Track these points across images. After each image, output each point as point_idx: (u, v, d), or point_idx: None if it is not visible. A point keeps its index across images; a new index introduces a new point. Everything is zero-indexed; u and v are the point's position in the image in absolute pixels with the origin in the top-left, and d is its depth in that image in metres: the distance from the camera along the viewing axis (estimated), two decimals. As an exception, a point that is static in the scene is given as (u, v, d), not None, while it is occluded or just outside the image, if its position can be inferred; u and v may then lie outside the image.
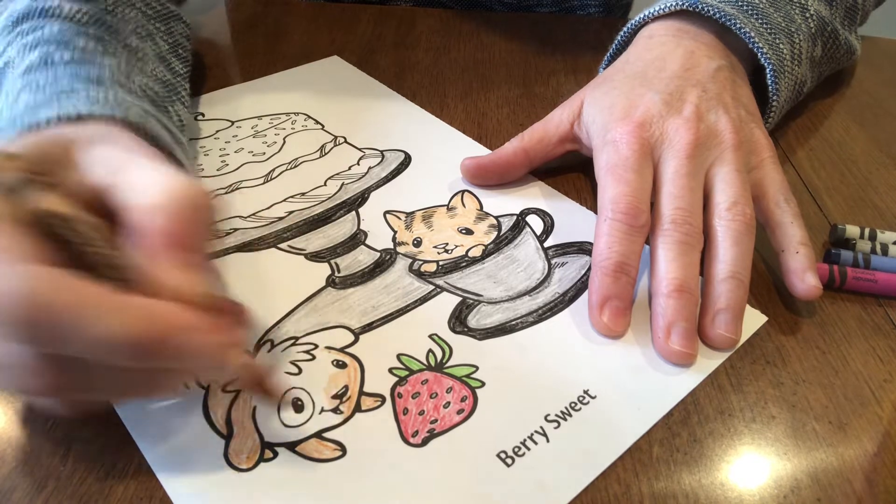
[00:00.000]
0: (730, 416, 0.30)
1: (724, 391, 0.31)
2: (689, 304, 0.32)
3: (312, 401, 0.29)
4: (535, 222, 0.39)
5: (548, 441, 0.28)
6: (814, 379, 0.32)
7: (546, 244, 0.38)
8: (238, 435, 0.28)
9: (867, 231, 0.38)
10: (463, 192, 0.41)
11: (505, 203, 0.40)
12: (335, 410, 0.29)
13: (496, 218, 0.39)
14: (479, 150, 0.44)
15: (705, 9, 0.41)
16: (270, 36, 0.57)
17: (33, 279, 0.20)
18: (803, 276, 0.34)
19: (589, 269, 0.36)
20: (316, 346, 0.31)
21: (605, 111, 0.39)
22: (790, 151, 0.47)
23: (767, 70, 0.41)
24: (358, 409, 0.29)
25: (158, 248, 0.23)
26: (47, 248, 0.22)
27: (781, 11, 0.43)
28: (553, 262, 0.37)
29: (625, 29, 0.45)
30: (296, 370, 0.30)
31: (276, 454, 0.27)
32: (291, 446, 0.28)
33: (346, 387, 0.30)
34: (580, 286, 0.35)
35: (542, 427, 0.29)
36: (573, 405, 0.30)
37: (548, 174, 0.43)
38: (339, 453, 0.27)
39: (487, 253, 0.37)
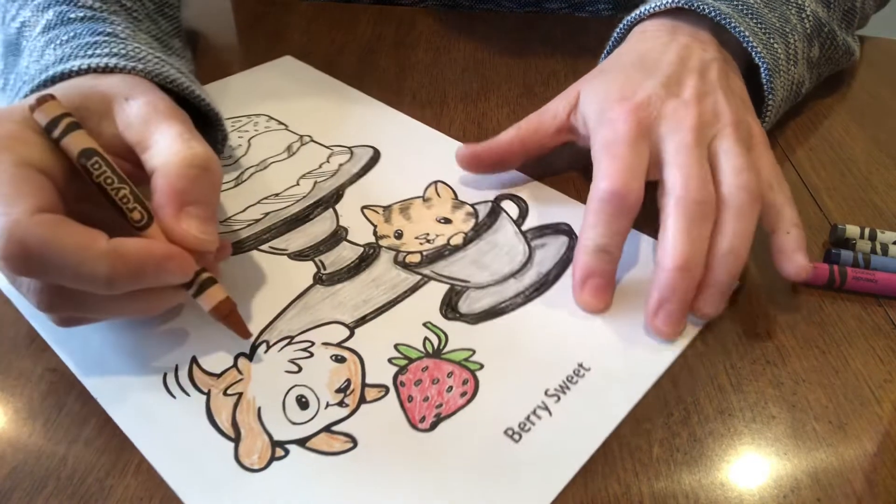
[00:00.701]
0: (730, 416, 0.30)
1: (724, 391, 0.31)
2: (686, 282, 0.32)
3: (317, 396, 0.29)
4: (510, 207, 0.40)
5: (550, 415, 0.29)
6: (814, 379, 0.32)
7: (523, 227, 0.39)
8: (246, 437, 0.28)
9: (867, 231, 0.38)
10: (436, 182, 0.41)
11: (478, 191, 0.41)
12: (340, 404, 0.29)
13: (472, 206, 0.40)
14: (446, 141, 0.45)
15: (700, 6, 0.41)
16: (271, 36, 0.57)
17: (36, 226, 0.24)
18: (792, 255, 0.34)
19: (567, 248, 0.37)
20: (312, 344, 0.32)
21: (601, 95, 0.39)
22: (790, 151, 0.47)
23: (762, 69, 0.41)
24: (363, 400, 0.29)
25: (164, 201, 0.28)
26: (62, 190, 0.27)
27: (777, 12, 0.43)
28: (532, 244, 0.38)
29: (620, 26, 0.45)
30: (295, 368, 0.31)
31: (287, 452, 0.28)
32: (302, 443, 0.28)
33: (349, 380, 0.30)
34: (561, 265, 0.36)
35: (543, 402, 0.30)
36: (570, 378, 0.31)
37: (539, 169, 0.43)
38: (351, 445, 0.28)
39: (468, 240, 0.38)
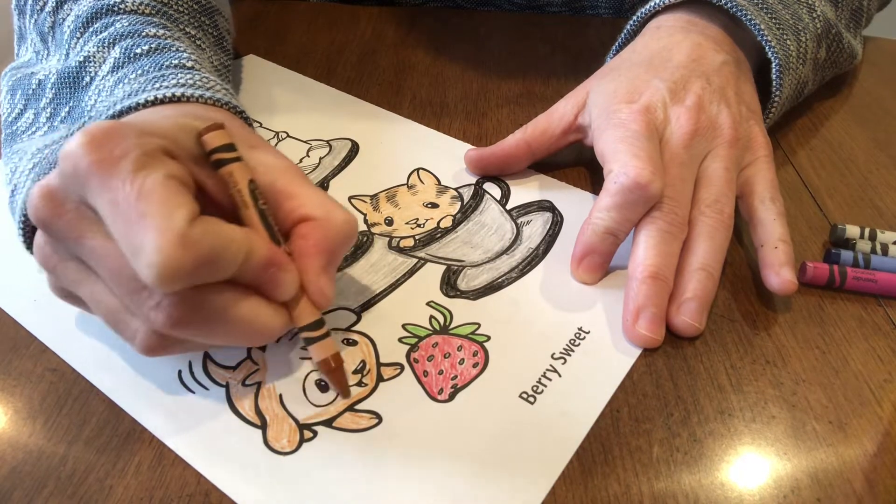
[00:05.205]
0: (730, 416, 0.30)
1: (724, 391, 0.31)
2: (660, 290, 0.33)
3: (345, 370, 0.30)
4: (493, 189, 0.41)
5: (560, 376, 0.31)
6: (814, 379, 0.32)
7: (507, 207, 0.40)
8: (272, 422, 0.29)
9: (867, 231, 0.38)
10: (417, 169, 0.42)
11: (460, 175, 0.42)
12: (359, 384, 0.30)
13: (456, 189, 0.41)
14: (421, 129, 0.46)
15: None
16: (271, 36, 0.57)
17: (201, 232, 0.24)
18: (779, 269, 0.34)
19: (552, 223, 0.39)
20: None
21: (608, 95, 0.39)
22: (791, 152, 0.47)
23: (773, 64, 0.41)
24: (381, 379, 0.31)
25: (315, 252, 0.28)
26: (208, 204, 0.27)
27: (790, 10, 0.43)
28: (518, 221, 0.39)
29: (634, 18, 0.45)
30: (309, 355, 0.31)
31: (315, 433, 0.29)
32: (328, 423, 0.29)
33: (364, 361, 0.31)
34: (549, 239, 0.38)
35: (551, 365, 0.32)
36: (573, 342, 0.33)
37: (548, 167, 0.43)
38: (376, 421, 0.29)
39: (457, 222, 0.39)
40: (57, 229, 0.26)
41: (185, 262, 0.23)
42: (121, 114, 0.31)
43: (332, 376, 0.29)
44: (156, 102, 0.31)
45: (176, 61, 0.34)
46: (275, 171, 0.29)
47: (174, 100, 0.31)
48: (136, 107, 0.31)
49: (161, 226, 0.23)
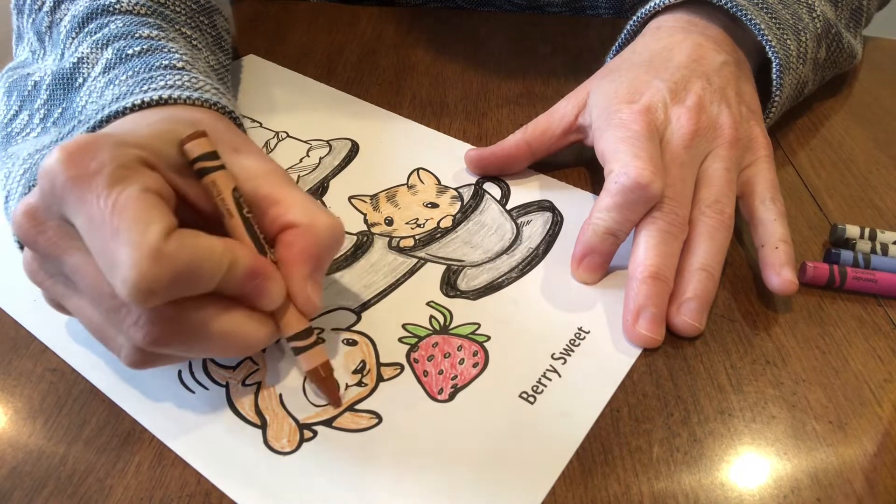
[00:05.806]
0: (730, 416, 0.30)
1: (724, 391, 0.31)
2: (661, 290, 0.33)
3: (335, 379, 0.30)
4: (493, 188, 0.42)
5: (560, 376, 0.31)
6: (814, 379, 0.32)
7: (507, 207, 0.40)
8: (272, 422, 0.29)
9: (867, 231, 0.38)
10: (417, 169, 0.43)
11: (460, 175, 0.42)
12: (359, 384, 0.30)
13: (456, 189, 0.41)
14: (421, 128, 0.46)
15: None
16: (271, 36, 0.57)
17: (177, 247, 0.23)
18: (780, 270, 0.34)
19: (552, 223, 0.39)
20: (322, 330, 0.33)
21: (609, 96, 0.39)
22: (791, 152, 0.47)
23: (774, 64, 0.41)
24: (381, 379, 0.31)
25: (300, 259, 0.28)
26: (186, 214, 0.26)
27: (790, 9, 0.43)
28: (518, 221, 0.39)
29: (634, 18, 0.45)
30: None
31: (315, 433, 0.29)
32: (328, 423, 0.29)
33: (364, 361, 0.31)
34: (549, 239, 0.38)
35: (551, 365, 0.32)
36: (573, 342, 0.33)
37: (548, 167, 0.43)
38: (376, 421, 0.29)
39: (457, 222, 0.39)
40: (39, 247, 0.26)
41: (160, 278, 0.23)
42: (108, 119, 0.30)
43: (322, 385, 0.29)
44: (143, 106, 0.30)
45: (166, 62, 0.34)
46: (258, 176, 0.29)
47: (161, 102, 0.31)
48: (123, 111, 0.30)
49: (135, 241, 0.23)
